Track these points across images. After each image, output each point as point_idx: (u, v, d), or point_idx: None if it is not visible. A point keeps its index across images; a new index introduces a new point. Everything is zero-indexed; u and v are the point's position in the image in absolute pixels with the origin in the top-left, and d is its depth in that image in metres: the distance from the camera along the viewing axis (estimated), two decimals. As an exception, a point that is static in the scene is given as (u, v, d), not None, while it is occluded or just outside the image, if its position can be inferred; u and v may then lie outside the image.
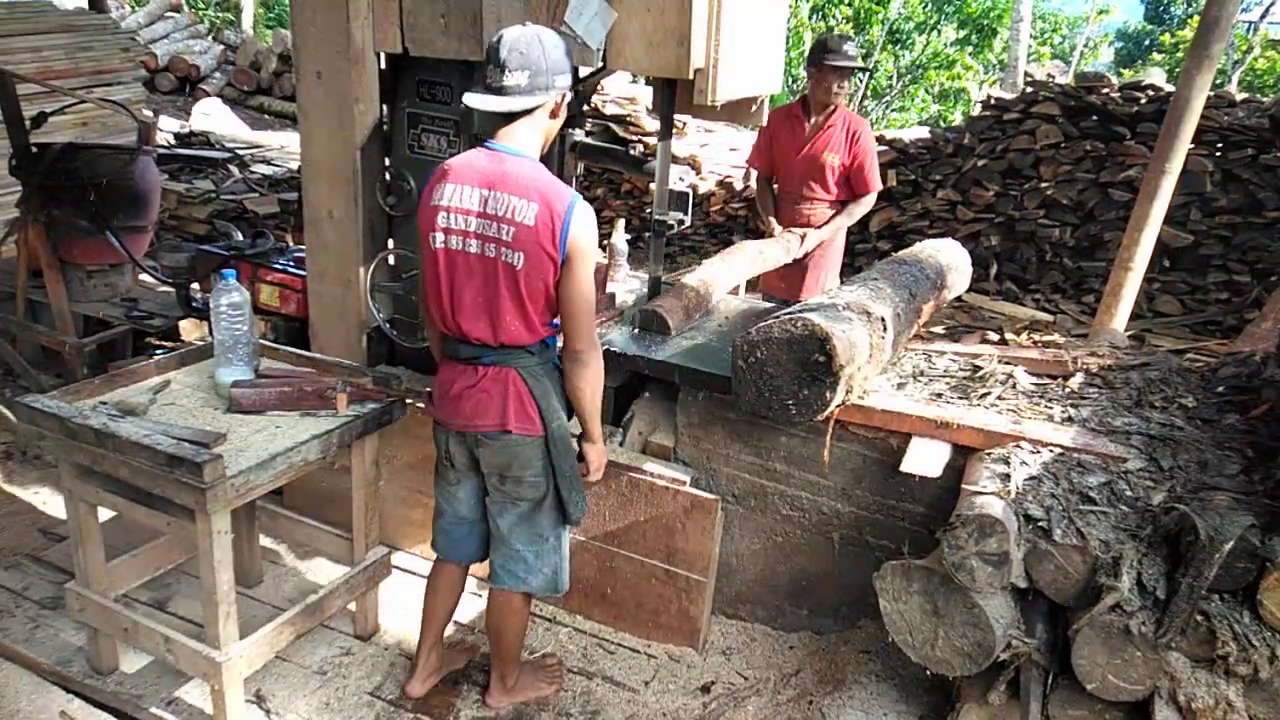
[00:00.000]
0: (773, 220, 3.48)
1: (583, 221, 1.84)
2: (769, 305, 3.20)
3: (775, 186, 3.60)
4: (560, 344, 2.00)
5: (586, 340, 1.92)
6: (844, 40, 3.32)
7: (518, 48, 1.80)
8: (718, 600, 2.63)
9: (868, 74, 11.61)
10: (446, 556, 2.19)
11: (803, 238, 3.35)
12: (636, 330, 2.68)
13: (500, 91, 1.81)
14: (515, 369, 1.92)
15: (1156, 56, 15.14)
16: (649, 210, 2.78)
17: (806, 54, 3.37)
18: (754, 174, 3.62)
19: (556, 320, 1.95)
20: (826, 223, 3.44)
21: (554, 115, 1.90)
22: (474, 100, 1.83)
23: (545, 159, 2.80)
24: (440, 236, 1.86)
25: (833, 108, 3.36)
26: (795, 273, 3.50)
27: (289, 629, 2.15)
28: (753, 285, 3.55)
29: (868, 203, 3.49)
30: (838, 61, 3.25)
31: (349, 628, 2.50)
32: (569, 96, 1.91)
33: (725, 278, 2.99)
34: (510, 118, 1.84)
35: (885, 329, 2.27)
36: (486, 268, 1.85)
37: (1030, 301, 5.19)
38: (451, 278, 1.88)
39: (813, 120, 3.40)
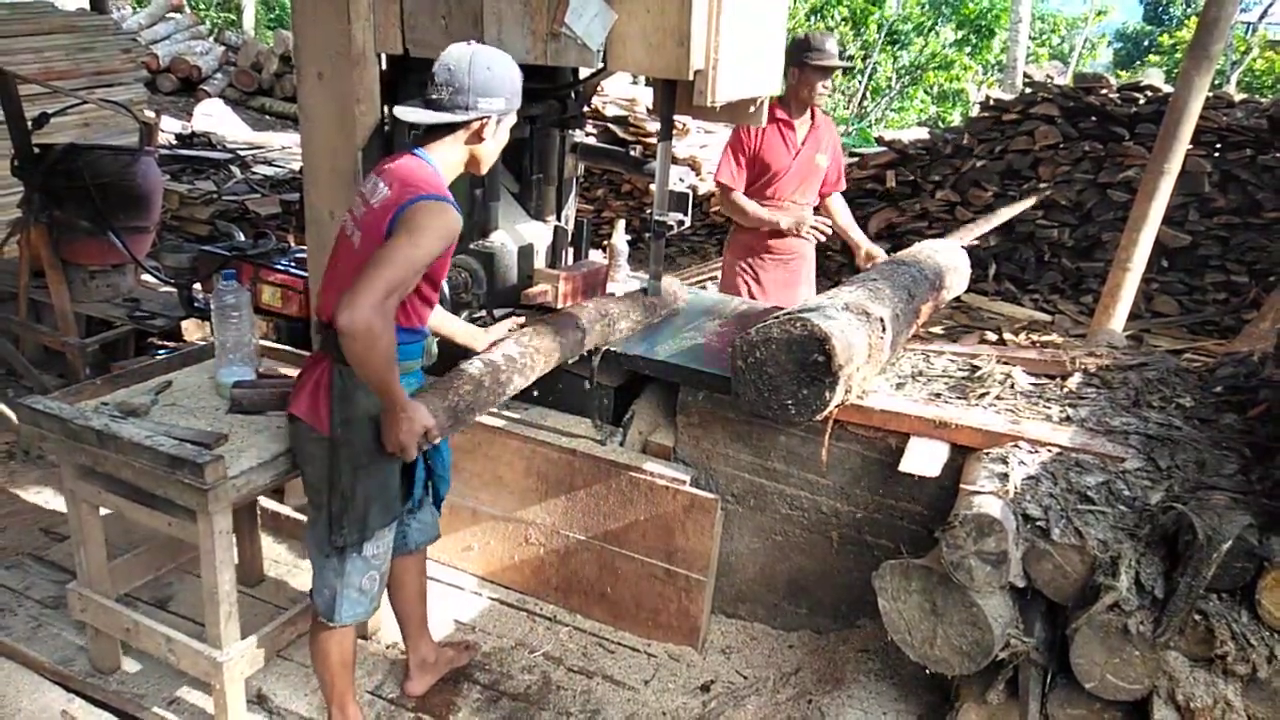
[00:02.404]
0: (778, 215, 3.28)
1: (420, 206, 1.70)
2: (769, 305, 3.19)
3: (750, 198, 3.38)
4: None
5: (352, 311, 1.59)
6: (826, 38, 3.21)
7: (446, 64, 1.81)
8: (717, 599, 2.63)
9: (866, 74, 11.62)
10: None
11: (869, 255, 3.29)
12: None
13: (426, 103, 1.82)
14: (330, 358, 1.79)
15: (1154, 58, 15.15)
16: (649, 211, 2.79)
17: (786, 52, 2.97)
18: (732, 192, 3.28)
19: (403, 328, 1.81)
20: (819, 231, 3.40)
21: (478, 138, 1.85)
22: (399, 109, 1.85)
23: (544, 161, 2.84)
24: (343, 216, 1.91)
25: (811, 108, 3.29)
26: (778, 282, 3.41)
27: (290, 628, 2.16)
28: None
29: (845, 203, 3.52)
30: (822, 61, 3.13)
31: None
32: (496, 121, 1.84)
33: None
34: (433, 130, 1.84)
35: (884, 329, 2.28)
36: (340, 244, 1.86)
37: (1028, 302, 5.20)
38: (330, 256, 1.91)
39: (800, 123, 3.27)
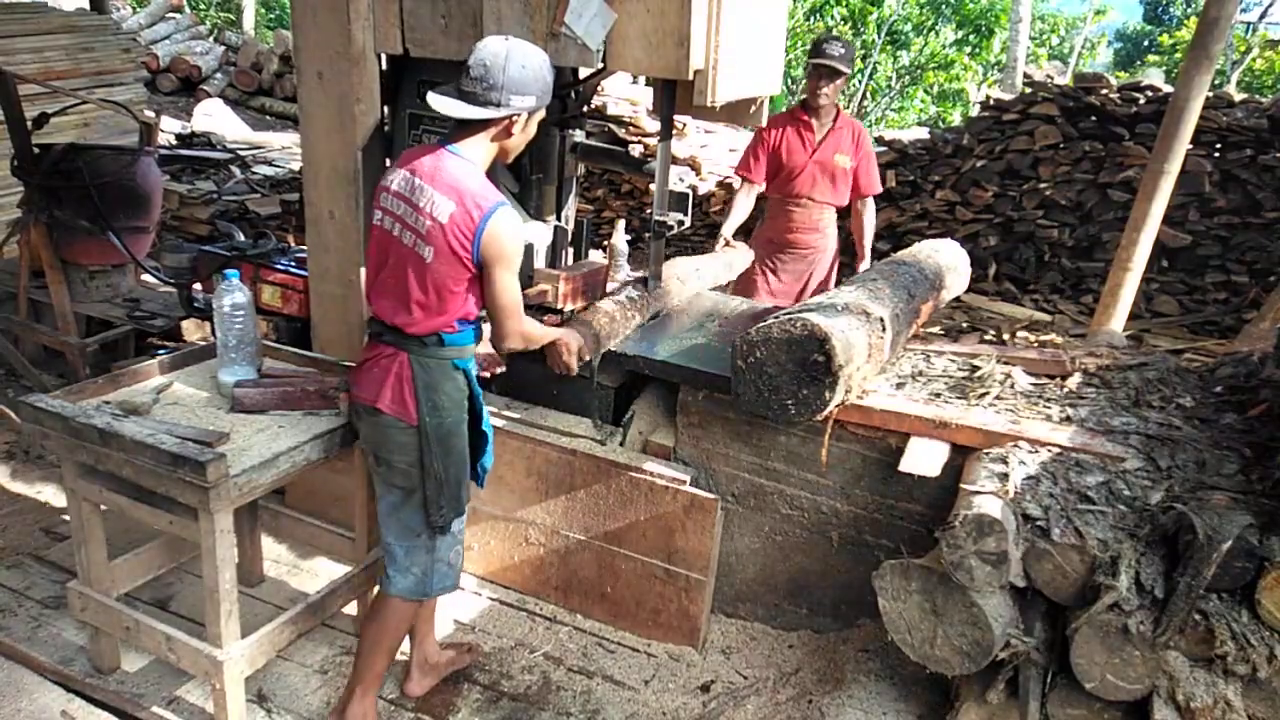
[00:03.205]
0: (728, 236, 3.36)
1: (501, 228, 1.84)
2: (768, 305, 3.20)
3: (770, 195, 3.54)
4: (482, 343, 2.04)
5: (512, 340, 1.99)
6: (831, 41, 3.30)
7: (482, 58, 1.82)
8: (717, 599, 2.63)
9: (866, 74, 11.62)
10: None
11: (859, 257, 3.41)
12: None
13: (459, 95, 1.84)
14: (408, 353, 1.93)
15: (1153, 57, 15.14)
16: (649, 211, 2.79)
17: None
18: (743, 183, 3.48)
19: (461, 321, 1.94)
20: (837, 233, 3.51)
21: (508, 133, 1.90)
22: (432, 98, 1.86)
23: (544, 161, 2.84)
24: (379, 215, 1.93)
25: (835, 111, 3.37)
26: (790, 279, 3.52)
27: (290, 628, 2.16)
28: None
29: (873, 208, 3.52)
30: (819, 60, 3.26)
31: (350, 627, 2.50)
32: (527, 118, 1.90)
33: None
34: (465, 123, 1.88)
35: (884, 329, 2.28)
36: (402, 253, 1.89)
37: (1029, 302, 5.20)
38: (376, 256, 1.95)
39: (819, 123, 3.39)
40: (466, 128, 1.88)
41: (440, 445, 1.95)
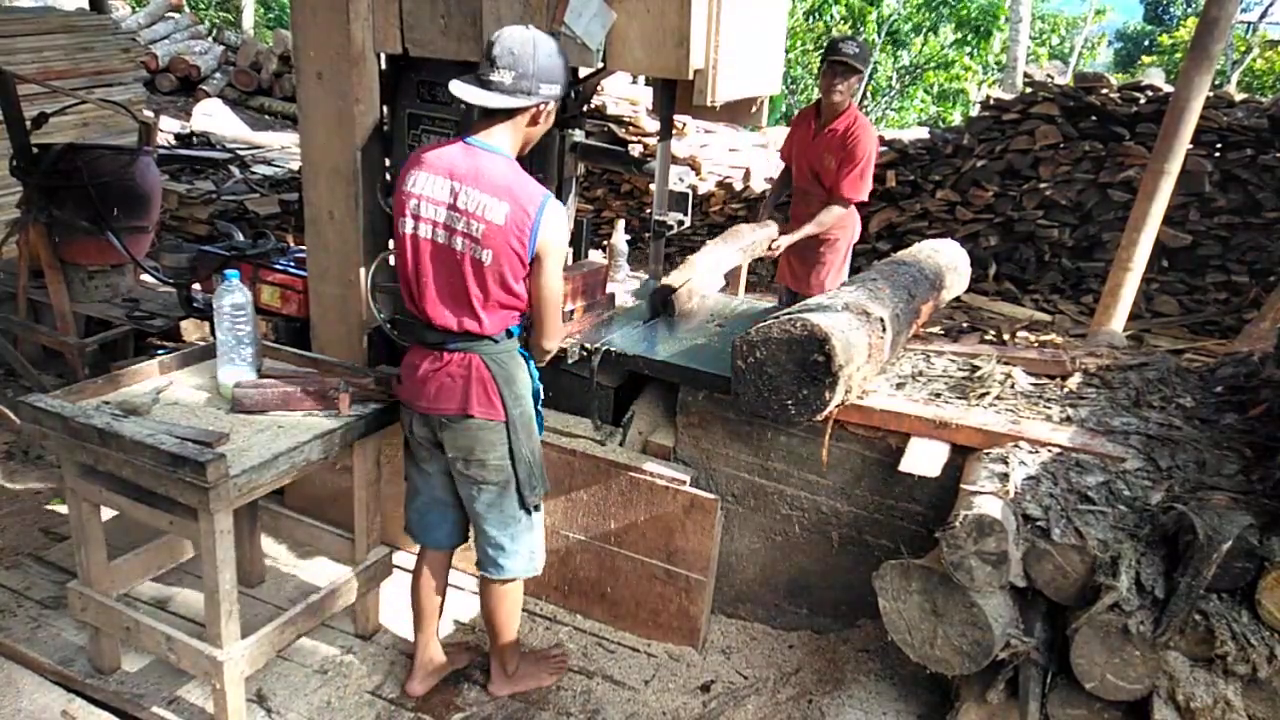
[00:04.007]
0: (766, 211, 3.57)
1: (553, 221, 1.87)
2: (768, 305, 3.21)
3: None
4: (529, 333, 2.06)
5: (553, 338, 2.02)
6: (846, 40, 3.36)
7: (510, 47, 1.81)
8: (717, 599, 2.63)
9: (866, 75, 11.63)
10: (419, 540, 2.22)
11: (772, 241, 3.31)
12: (645, 320, 2.74)
13: (485, 86, 1.82)
14: (479, 355, 1.96)
15: (1149, 58, 15.14)
16: (649, 211, 2.79)
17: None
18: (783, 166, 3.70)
19: (523, 313, 2.00)
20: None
21: (535, 122, 1.90)
22: (458, 87, 1.84)
23: (544, 161, 2.83)
24: (410, 222, 1.90)
25: (840, 112, 3.37)
26: (803, 268, 3.56)
27: (290, 628, 2.16)
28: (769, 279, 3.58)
29: (837, 212, 3.35)
30: (834, 57, 3.30)
31: (350, 627, 2.50)
32: (552, 106, 1.90)
33: (725, 260, 3.01)
34: (490, 114, 1.86)
35: (884, 329, 2.28)
36: (453, 259, 1.88)
37: (1029, 302, 5.20)
38: (418, 264, 1.92)
39: (819, 121, 3.43)
40: (491, 119, 1.87)
41: (524, 431, 2.02)
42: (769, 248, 3.27)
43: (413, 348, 2.06)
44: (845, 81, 3.32)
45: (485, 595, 2.19)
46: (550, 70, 1.84)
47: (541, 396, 2.15)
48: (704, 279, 2.84)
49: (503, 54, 1.81)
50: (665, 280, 2.73)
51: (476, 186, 1.83)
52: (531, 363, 2.08)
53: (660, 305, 2.73)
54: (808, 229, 3.39)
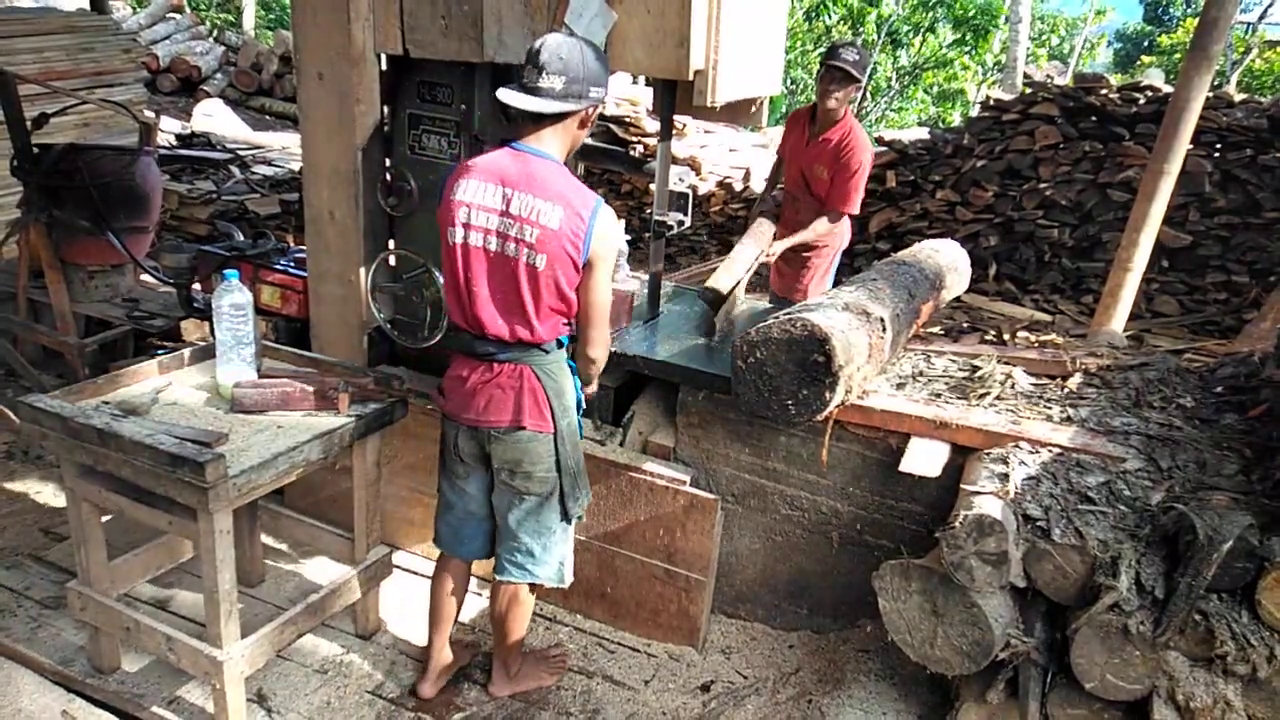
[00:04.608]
0: (760, 208, 3.53)
1: (606, 226, 1.88)
2: (769, 306, 3.20)
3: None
4: (575, 345, 2.05)
5: (601, 346, 2.00)
6: (846, 46, 3.27)
7: (559, 53, 1.81)
8: (717, 599, 2.63)
9: (863, 84, 11.64)
10: (451, 552, 2.20)
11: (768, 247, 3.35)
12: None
13: (535, 92, 1.82)
14: (530, 366, 1.95)
15: (1147, 59, 15.14)
16: (649, 211, 2.79)
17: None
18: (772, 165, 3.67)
19: (569, 322, 1.99)
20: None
21: (583, 125, 1.92)
22: (508, 96, 1.84)
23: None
24: (460, 232, 1.88)
25: (835, 121, 3.30)
26: (790, 272, 3.53)
27: (290, 628, 2.16)
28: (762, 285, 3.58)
29: (830, 221, 3.28)
30: (832, 62, 3.22)
31: (350, 627, 2.50)
32: (597, 110, 1.92)
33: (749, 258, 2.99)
34: (540, 120, 1.86)
35: (884, 329, 2.28)
36: (507, 266, 1.87)
37: (1029, 302, 5.20)
38: (469, 273, 1.90)
39: (815, 127, 3.34)
40: (540, 125, 1.86)
41: (571, 442, 2.03)
42: (766, 253, 3.26)
43: (458, 360, 2.03)
44: (842, 89, 3.19)
45: (499, 598, 2.18)
46: (598, 74, 1.87)
47: (584, 407, 2.15)
48: (744, 280, 2.89)
49: (551, 60, 1.81)
50: (712, 284, 2.69)
51: (530, 191, 1.83)
52: (575, 374, 2.07)
53: (712, 309, 2.70)
54: (800, 236, 3.29)
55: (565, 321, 1.98)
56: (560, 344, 2.00)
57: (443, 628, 2.24)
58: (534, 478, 2.01)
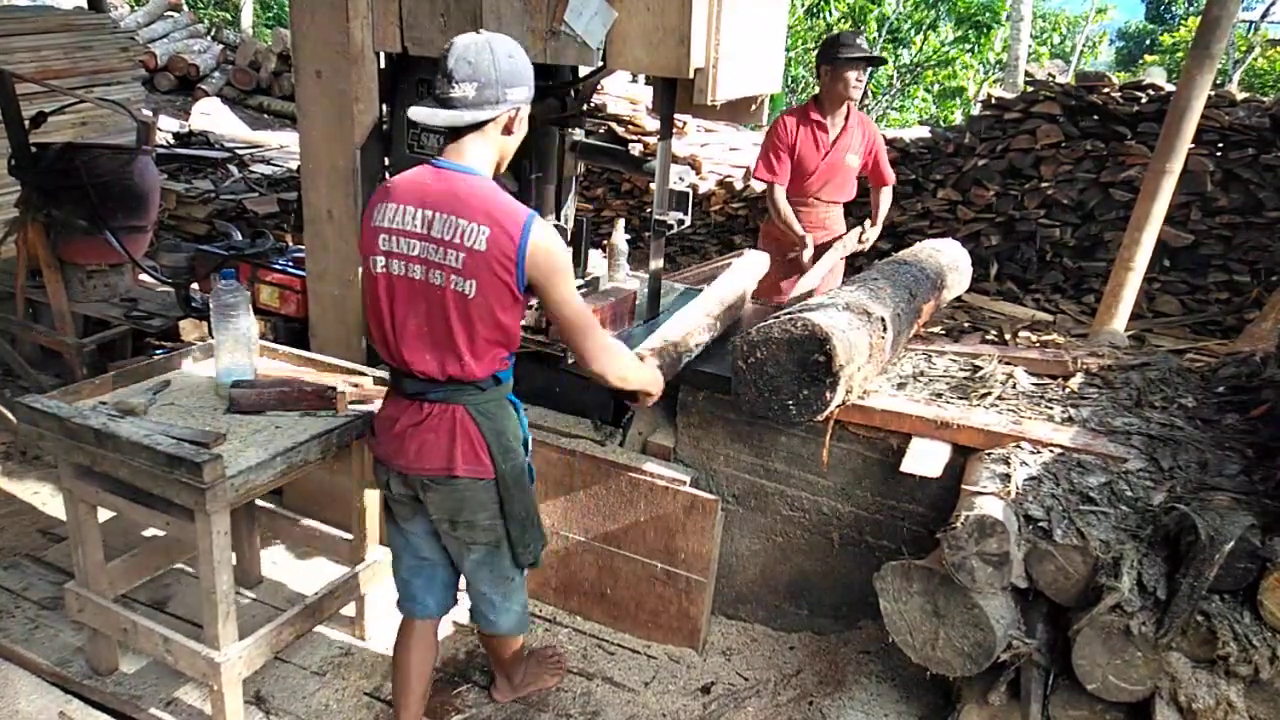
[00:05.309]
0: (804, 233, 3.45)
1: (541, 242, 1.69)
2: (770, 306, 3.19)
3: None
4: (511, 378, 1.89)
5: (601, 359, 1.82)
6: (856, 34, 3.31)
7: (465, 57, 1.66)
8: (718, 601, 2.63)
9: (871, 72, 11.60)
10: (409, 613, 2.02)
11: (862, 232, 3.45)
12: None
13: (447, 104, 1.67)
14: (464, 406, 1.78)
15: (1149, 57, 15.13)
16: (649, 210, 2.78)
17: (817, 53, 3.37)
18: (774, 187, 3.43)
19: (511, 355, 1.83)
20: (850, 228, 3.55)
21: (509, 131, 1.75)
22: (417, 113, 1.69)
23: (544, 161, 2.82)
24: (381, 260, 1.73)
25: (847, 108, 3.34)
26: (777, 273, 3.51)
27: (288, 629, 2.15)
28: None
29: (889, 195, 3.60)
30: (854, 54, 3.21)
31: (348, 628, 2.49)
32: (524, 111, 1.76)
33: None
34: (457, 134, 1.71)
35: (885, 329, 2.27)
36: (433, 296, 1.71)
37: (1030, 301, 5.19)
38: (394, 306, 1.74)
39: (831, 122, 3.36)
40: (460, 138, 1.72)
41: (517, 486, 1.85)
42: (859, 240, 3.42)
43: (388, 398, 1.89)
44: (865, 75, 3.32)
45: (487, 641, 2.14)
46: (514, 73, 1.69)
47: (531, 446, 1.97)
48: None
49: (459, 66, 1.65)
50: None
51: (453, 211, 1.66)
52: (521, 410, 1.92)
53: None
54: (883, 216, 3.58)
55: (505, 355, 1.81)
56: (499, 380, 1.82)
57: (412, 703, 2.01)
58: (477, 526, 1.85)
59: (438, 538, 1.94)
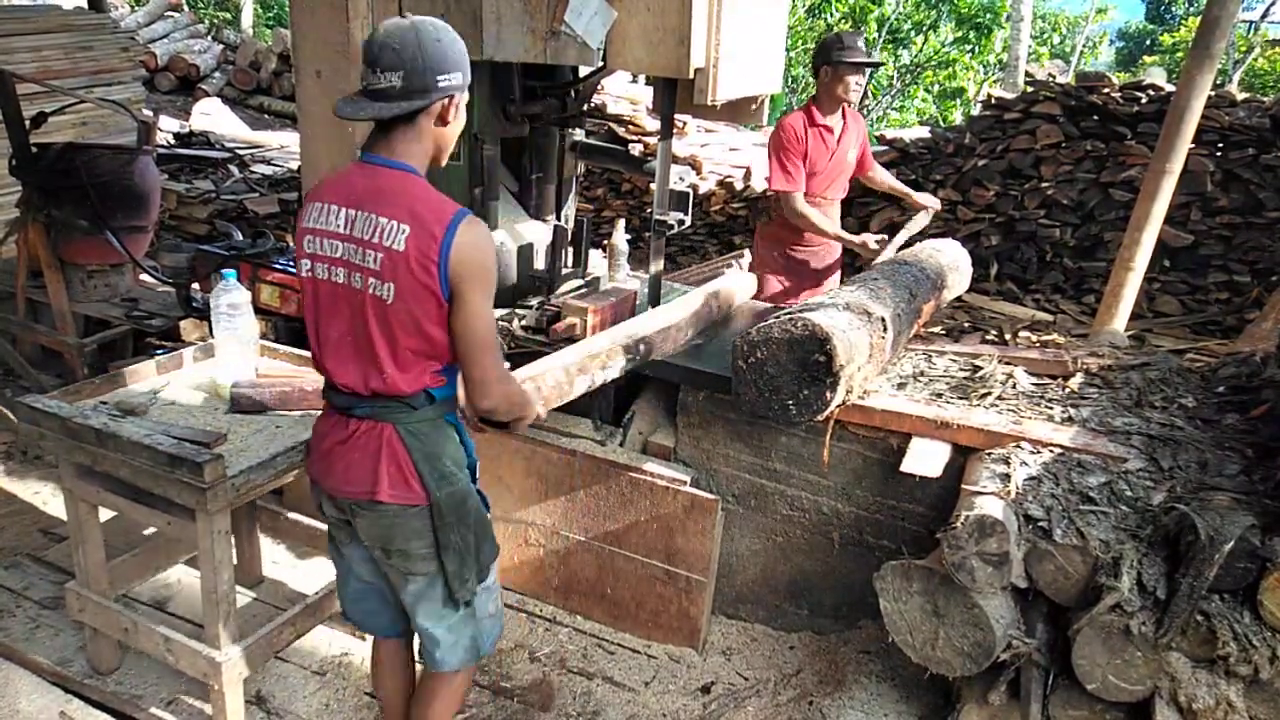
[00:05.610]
0: (850, 237, 3.37)
1: (469, 241, 1.53)
2: (770, 306, 3.19)
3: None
4: (460, 394, 1.67)
5: (493, 396, 1.60)
6: (856, 36, 3.29)
7: (390, 44, 1.51)
8: (718, 600, 2.63)
9: (871, 72, 11.61)
10: (366, 630, 1.94)
11: (882, 242, 3.38)
12: None
13: (373, 95, 1.54)
14: (393, 425, 1.62)
15: (1149, 58, 15.14)
16: (649, 210, 2.78)
17: (814, 53, 3.35)
18: (794, 195, 3.29)
19: (445, 368, 1.65)
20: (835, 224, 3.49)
21: (444, 121, 1.59)
22: (343, 108, 1.57)
23: (544, 160, 2.83)
24: (307, 264, 1.61)
25: (842, 105, 3.34)
26: (806, 285, 3.50)
27: (289, 629, 2.15)
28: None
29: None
30: (857, 58, 3.20)
31: (349, 628, 2.49)
32: (460, 98, 1.60)
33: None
34: (386, 125, 1.57)
35: (885, 329, 2.27)
36: (354, 301, 1.57)
37: (1030, 301, 5.19)
38: (319, 312, 1.62)
39: (834, 122, 3.36)
40: (390, 131, 1.57)
41: (456, 515, 1.67)
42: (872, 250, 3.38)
43: (322, 413, 1.73)
44: (863, 78, 3.34)
45: (422, 682, 1.89)
46: (443, 57, 1.54)
47: (478, 472, 1.79)
48: None
49: (383, 54, 1.51)
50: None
51: (374, 210, 1.53)
52: (464, 431, 1.73)
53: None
54: (903, 187, 3.67)
55: (437, 369, 1.63)
56: (431, 398, 1.64)
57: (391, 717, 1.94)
58: (413, 556, 1.68)
59: (376, 563, 1.78)
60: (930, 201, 3.52)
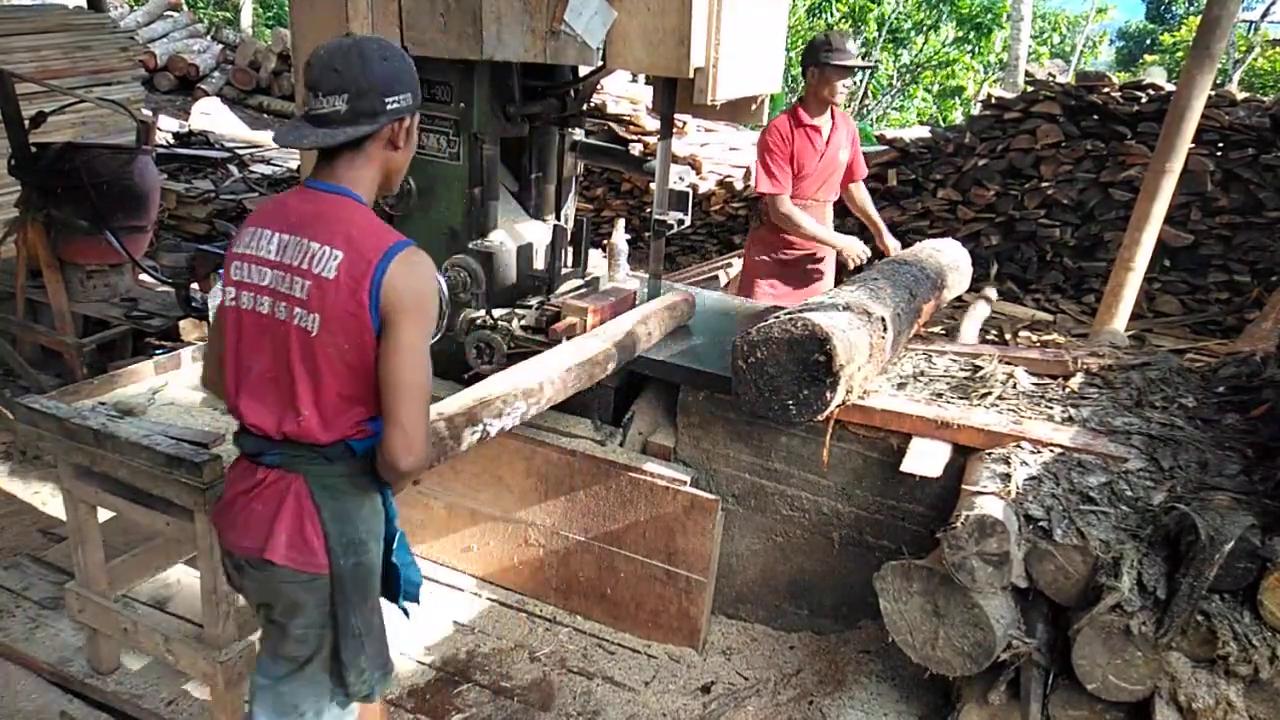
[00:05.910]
0: (835, 239, 3.36)
1: (406, 272, 1.39)
2: (770, 306, 3.19)
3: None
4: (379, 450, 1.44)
5: (413, 452, 1.40)
6: (846, 38, 3.28)
7: (332, 65, 1.40)
8: (718, 600, 2.63)
9: (869, 72, 11.60)
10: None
11: (887, 246, 3.42)
12: None
13: (318, 121, 1.42)
14: (303, 477, 1.45)
15: (1149, 57, 15.14)
16: (649, 210, 2.78)
17: (803, 53, 3.33)
18: (780, 198, 3.26)
19: (373, 419, 1.47)
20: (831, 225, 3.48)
21: (394, 145, 1.48)
22: (283, 136, 1.47)
23: (544, 160, 2.82)
24: (231, 292, 1.47)
25: (830, 106, 3.34)
26: (809, 289, 3.49)
27: (289, 629, 2.15)
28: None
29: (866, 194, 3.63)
30: (845, 61, 3.17)
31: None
32: (411, 121, 1.49)
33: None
34: (330, 152, 1.45)
35: (885, 329, 2.27)
36: (278, 334, 1.43)
37: (1030, 301, 5.19)
38: (239, 345, 1.47)
39: (823, 123, 3.34)
40: (335, 158, 1.46)
41: (359, 592, 1.48)
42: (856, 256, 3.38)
43: (234, 459, 1.57)
44: (850, 80, 3.32)
45: None
46: (391, 78, 1.43)
47: (406, 543, 1.60)
48: None
49: (324, 76, 1.40)
50: None
51: (309, 235, 1.41)
52: (389, 494, 1.55)
53: None
54: (877, 216, 3.58)
55: (363, 419, 1.47)
56: (353, 450, 1.47)
57: None
58: (288, 635, 1.48)
59: None
60: (894, 246, 3.44)
